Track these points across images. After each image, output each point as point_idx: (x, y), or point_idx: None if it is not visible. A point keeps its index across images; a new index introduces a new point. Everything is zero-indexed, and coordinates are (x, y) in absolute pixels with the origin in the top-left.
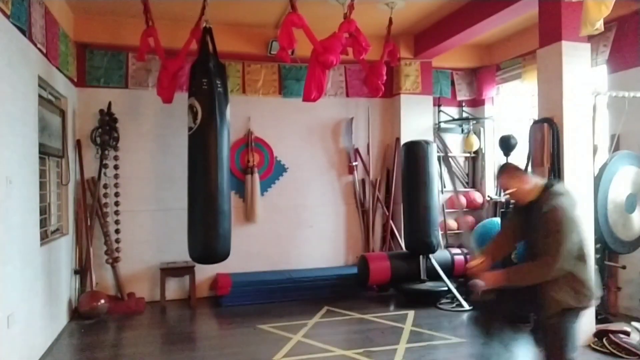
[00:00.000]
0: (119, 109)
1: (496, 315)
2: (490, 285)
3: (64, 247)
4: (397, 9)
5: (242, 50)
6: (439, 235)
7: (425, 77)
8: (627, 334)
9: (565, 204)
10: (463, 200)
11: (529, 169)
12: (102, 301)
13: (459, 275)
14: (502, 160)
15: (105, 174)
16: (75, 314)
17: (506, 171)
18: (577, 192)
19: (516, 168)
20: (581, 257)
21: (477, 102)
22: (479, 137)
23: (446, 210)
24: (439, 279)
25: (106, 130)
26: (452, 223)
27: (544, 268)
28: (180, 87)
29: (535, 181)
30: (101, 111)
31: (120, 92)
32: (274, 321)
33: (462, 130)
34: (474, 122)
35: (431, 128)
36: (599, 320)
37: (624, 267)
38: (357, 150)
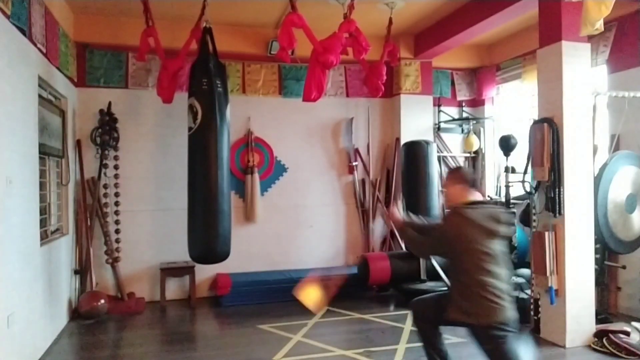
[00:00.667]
0: (119, 109)
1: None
2: (392, 219)
3: (64, 247)
4: (397, 9)
5: (242, 50)
6: None
7: (425, 77)
8: (627, 334)
9: (455, 222)
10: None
11: (529, 169)
12: (102, 301)
13: None
14: (502, 160)
15: (105, 174)
16: (75, 314)
17: (458, 176)
18: (577, 192)
19: (467, 181)
20: (474, 272)
21: (477, 102)
22: (479, 137)
23: (446, 211)
24: (439, 278)
25: (106, 130)
26: None
27: (418, 245)
28: (180, 87)
29: (468, 198)
30: (101, 111)
31: (120, 92)
32: (274, 321)
33: (462, 130)
34: (474, 122)
35: (431, 128)
36: (599, 320)
37: (624, 267)
38: (357, 150)
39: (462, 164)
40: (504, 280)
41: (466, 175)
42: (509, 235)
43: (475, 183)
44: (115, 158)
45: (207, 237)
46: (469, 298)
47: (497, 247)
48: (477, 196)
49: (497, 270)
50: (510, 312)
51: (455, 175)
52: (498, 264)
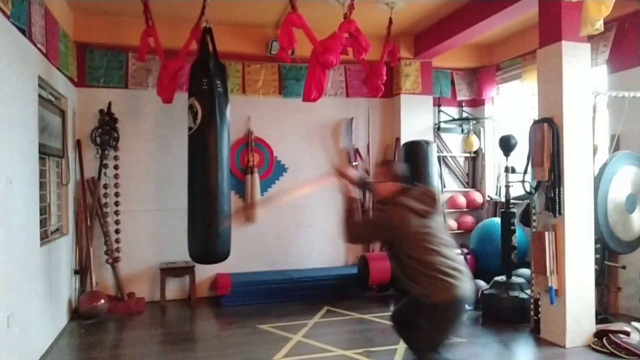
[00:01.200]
0: (119, 109)
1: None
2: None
3: (64, 247)
4: (397, 9)
5: (242, 50)
6: None
7: (425, 77)
8: (627, 334)
9: (396, 211)
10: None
11: (529, 169)
12: (102, 301)
13: None
14: (502, 160)
15: (105, 174)
16: (75, 314)
17: (392, 173)
18: (577, 192)
19: (400, 177)
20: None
21: (477, 102)
22: (479, 137)
23: (446, 210)
24: None
25: (106, 130)
26: (452, 223)
27: (350, 225)
28: (180, 87)
29: (395, 188)
30: (101, 111)
31: (120, 92)
32: (274, 321)
33: (462, 130)
34: (474, 122)
35: (431, 128)
36: (599, 320)
37: (624, 267)
38: (357, 150)
39: (462, 164)
40: (451, 257)
41: (400, 172)
42: (440, 210)
43: (405, 178)
44: (115, 158)
45: (207, 237)
46: (421, 280)
47: (436, 224)
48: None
49: (443, 250)
50: (462, 290)
51: (389, 171)
52: (442, 243)
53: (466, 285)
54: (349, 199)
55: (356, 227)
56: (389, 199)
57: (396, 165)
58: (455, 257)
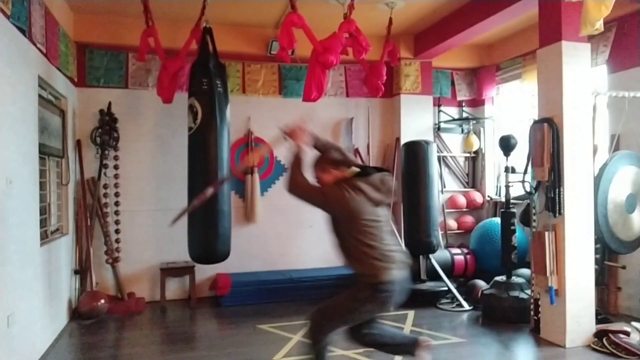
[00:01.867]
0: (119, 109)
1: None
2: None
3: (64, 247)
4: (397, 9)
5: (242, 50)
6: (439, 235)
7: (425, 77)
8: (627, 334)
9: (351, 193)
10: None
11: (529, 169)
12: (102, 301)
13: (459, 275)
14: (502, 160)
15: (105, 174)
16: (75, 314)
17: (328, 161)
18: (577, 192)
19: (342, 162)
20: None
21: (477, 102)
22: (479, 137)
23: (446, 210)
24: (439, 279)
25: (106, 130)
26: (452, 223)
27: (297, 182)
28: (180, 87)
29: (351, 172)
30: (101, 111)
31: (120, 92)
32: (274, 321)
33: (462, 130)
34: (474, 122)
35: (431, 128)
36: (599, 320)
37: (624, 267)
38: (357, 150)
39: (462, 164)
40: (393, 244)
41: (337, 156)
42: (390, 202)
43: (349, 161)
44: (115, 158)
45: (207, 237)
46: (363, 260)
47: (385, 212)
48: (355, 168)
49: (386, 237)
50: (400, 274)
51: (326, 164)
52: (387, 230)
53: (403, 271)
54: (299, 152)
55: (303, 188)
56: (347, 181)
57: (329, 153)
58: (397, 244)
